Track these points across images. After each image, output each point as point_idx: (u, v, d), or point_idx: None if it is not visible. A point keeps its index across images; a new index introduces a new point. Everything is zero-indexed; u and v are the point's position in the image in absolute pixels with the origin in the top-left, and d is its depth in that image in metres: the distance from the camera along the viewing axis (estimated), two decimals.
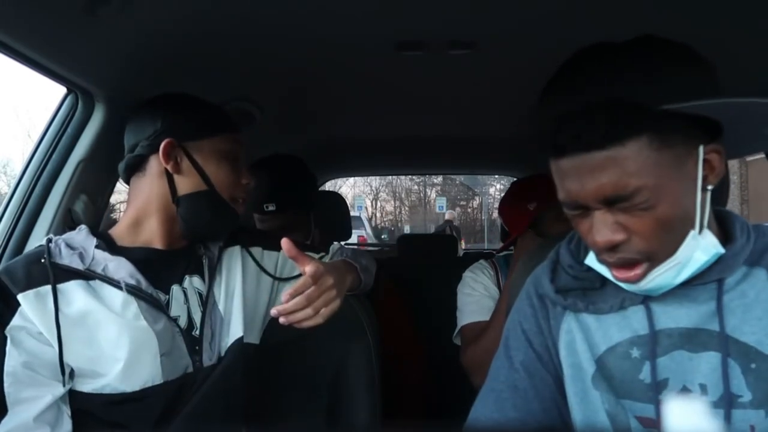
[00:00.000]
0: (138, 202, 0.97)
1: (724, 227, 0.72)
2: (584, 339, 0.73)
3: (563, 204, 0.70)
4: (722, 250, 0.66)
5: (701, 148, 0.63)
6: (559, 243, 0.82)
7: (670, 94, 0.60)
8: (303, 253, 0.86)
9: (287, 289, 1.08)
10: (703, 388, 0.66)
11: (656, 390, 0.67)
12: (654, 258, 0.65)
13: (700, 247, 0.65)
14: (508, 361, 0.78)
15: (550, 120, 0.66)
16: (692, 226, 0.65)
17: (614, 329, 0.71)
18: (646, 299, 0.70)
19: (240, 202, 1.02)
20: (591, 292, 0.74)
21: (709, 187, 0.65)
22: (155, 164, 0.96)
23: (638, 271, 0.66)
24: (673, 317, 0.69)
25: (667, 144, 0.62)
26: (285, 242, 0.84)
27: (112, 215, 1.54)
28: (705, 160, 0.64)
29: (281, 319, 0.83)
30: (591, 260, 0.72)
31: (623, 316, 0.71)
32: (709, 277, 0.68)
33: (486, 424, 0.75)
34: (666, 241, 0.64)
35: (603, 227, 0.65)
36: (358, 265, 1.07)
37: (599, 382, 0.71)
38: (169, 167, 0.94)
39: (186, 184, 0.96)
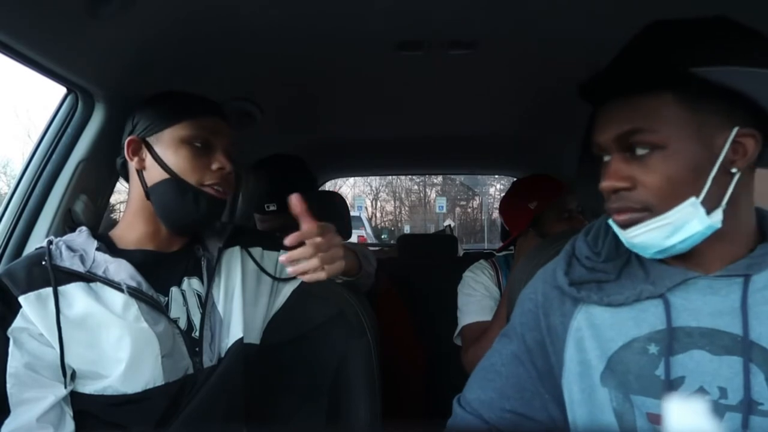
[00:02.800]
0: (129, 204, 1.00)
1: (764, 227, 0.71)
2: (595, 336, 0.72)
3: (594, 150, 0.74)
4: (718, 226, 0.66)
5: (735, 129, 0.64)
6: (574, 236, 0.82)
7: (703, 61, 0.63)
8: (308, 213, 0.86)
9: (287, 288, 1.09)
10: (723, 392, 0.65)
11: (670, 387, 0.66)
12: (652, 211, 0.67)
13: (698, 216, 0.65)
14: (503, 349, 0.81)
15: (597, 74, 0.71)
16: (697, 195, 0.65)
17: (631, 323, 0.70)
18: (665, 292, 0.69)
19: (215, 188, 0.97)
20: (606, 285, 0.74)
21: (734, 170, 0.66)
22: (132, 166, 0.98)
23: (630, 216, 0.69)
24: (694, 315, 0.68)
25: (694, 108, 0.65)
26: (294, 197, 0.85)
27: (112, 215, 1.54)
28: (736, 142, 0.65)
29: (289, 269, 0.84)
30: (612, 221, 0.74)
31: (640, 310, 0.70)
32: (735, 271, 0.68)
33: (472, 423, 0.80)
34: (667, 201, 0.66)
35: (612, 172, 0.69)
36: (358, 251, 1.07)
37: (608, 379, 0.70)
38: (134, 164, 0.97)
39: (151, 176, 0.97)
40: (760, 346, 0.64)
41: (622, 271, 0.74)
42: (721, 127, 0.65)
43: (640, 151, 0.68)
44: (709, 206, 0.66)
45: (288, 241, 0.84)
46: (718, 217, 0.66)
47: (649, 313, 0.70)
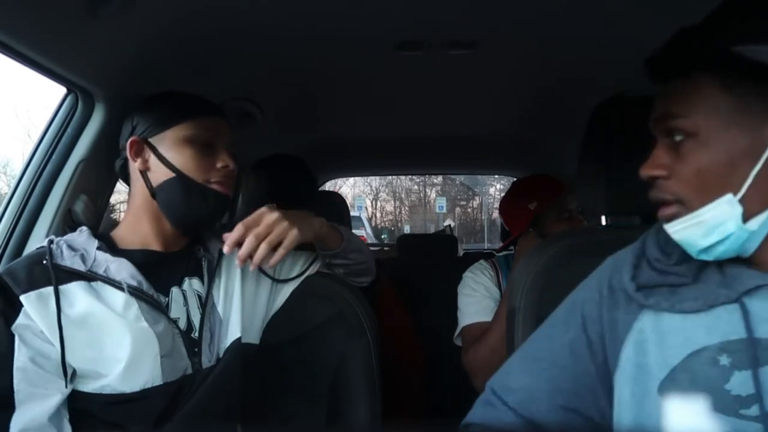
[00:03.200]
0: (131, 205, 1.00)
1: None
2: (659, 341, 0.65)
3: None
4: (754, 229, 0.59)
5: None
6: (645, 233, 0.74)
7: (744, 38, 0.56)
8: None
9: (287, 288, 1.09)
10: None
11: (743, 404, 0.58)
12: (685, 205, 0.62)
13: (734, 217, 0.59)
14: (558, 337, 0.74)
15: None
16: (735, 192, 0.59)
17: (702, 331, 0.62)
18: (742, 297, 0.61)
19: (219, 186, 0.98)
20: (681, 289, 0.65)
21: None
22: (134, 167, 0.99)
23: (669, 210, 0.64)
24: None
25: (736, 93, 0.59)
26: (226, 236, 0.93)
27: (112, 215, 1.54)
28: None
29: (250, 268, 0.93)
30: None
31: (714, 316, 0.62)
32: None
33: (495, 424, 0.73)
34: (700, 195, 0.61)
35: (651, 159, 0.65)
36: (337, 227, 1.08)
37: (668, 389, 0.62)
38: (138, 165, 0.97)
39: (156, 177, 0.97)
40: None
41: (699, 275, 0.66)
42: None
43: (677, 137, 0.62)
44: (755, 206, 0.59)
45: (226, 250, 0.92)
46: (758, 221, 0.59)
47: (723, 320, 0.61)
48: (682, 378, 0.62)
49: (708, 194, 0.60)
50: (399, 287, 1.79)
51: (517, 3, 1.01)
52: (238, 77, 1.35)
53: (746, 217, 0.60)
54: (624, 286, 0.69)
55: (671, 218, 0.64)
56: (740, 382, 0.58)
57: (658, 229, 0.72)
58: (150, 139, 0.97)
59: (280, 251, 0.92)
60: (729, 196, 0.59)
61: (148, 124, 0.98)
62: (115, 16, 0.91)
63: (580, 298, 0.75)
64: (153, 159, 0.97)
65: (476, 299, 1.48)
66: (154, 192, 0.97)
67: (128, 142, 0.98)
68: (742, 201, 0.59)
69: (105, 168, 1.14)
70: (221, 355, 0.95)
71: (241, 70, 1.30)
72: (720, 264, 0.65)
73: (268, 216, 0.94)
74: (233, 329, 0.97)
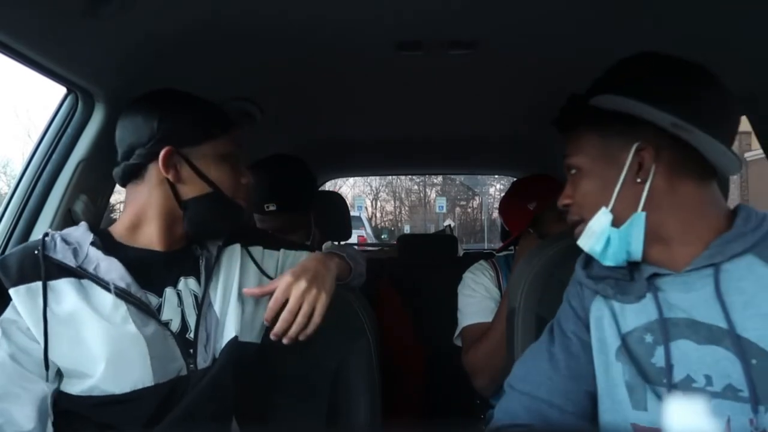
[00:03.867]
0: (136, 207, 0.95)
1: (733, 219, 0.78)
2: (611, 317, 0.80)
3: None
4: (621, 230, 0.77)
5: (635, 145, 0.76)
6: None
7: (601, 93, 0.76)
8: (266, 285, 0.97)
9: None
10: (708, 379, 0.70)
11: (662, 374, 0.73)
12: (583, 222, 0.81)
13: (608, 223, 0.78)
14: (560, 330, 0.86)
15: None
16: (606, 205, 0.78)
17: (632, 316, 0.78)
18: (651, 286, 0.78)
19: (243, 200, 1.00)
20: (621, 283, 0.81)
21: (638, 180, 0.76)
22: (154, 172, 0.92)
23: (577, 229, 0.83)
24: (679, 307, 0.75)
25: (603, 135, 0.79)
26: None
27: (112, 215, 1.54)
28: (636, 156, 0.76)
29: (284, 340, 0.93)
30: None
31: (641, 305, 0.78)
32: (700, 263, 0.74)
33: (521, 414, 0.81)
34: (589, 212, 0.80)
35: (563, 192, 0.85)
36: (345, 254, 1.08)
37: (622, 355, 0.77)
38: (169, 176, 0.92)
39: (188, 189, 0.94)
40: (735, 335, 0.70)
41: (633, 274, 0.81)
42: (626, 146, 0.76)
43: (573, 172, 0.83)
44: (622, 214, 0.77)
45: (269, 324, 0.94)
46: (625, 224, 0.77)
47: (645, 306, 0.78)
48: (627, 348, 0.77)
49: (594, 212, 0.79)
50: (399, 287, 1.79)
51: (517, 3, 1.01)
52: (238, 77, 1.35)
53: (618, 223, 0.78)
54: (578, 277, 0.86)
55: (579, 234, 0.82)
56: (661, 356, 0.74)
57: None
58: (183, 151, 0.92)
59: (316, 320, 0.93)
60: (603, 209, 0.78)
61: (182, 134, 0.92)
62: (115, 16, 0.91)
63: (566, 297, 0.90)
64: (187, 172, 0.93)
65: (476, 300, 1.48)
66: (184, 205, 0.94)
67: (162, 151, 0.90)
68: (613, 211, 0.78)
69: (105, 168, 1.14)
70: (217, 356, 0.94)
71: (241, 70, 1.30)
72: (641, 267, 0.81)
73: (295, 289, 0.93)
74: (229, 328, 0.95)
